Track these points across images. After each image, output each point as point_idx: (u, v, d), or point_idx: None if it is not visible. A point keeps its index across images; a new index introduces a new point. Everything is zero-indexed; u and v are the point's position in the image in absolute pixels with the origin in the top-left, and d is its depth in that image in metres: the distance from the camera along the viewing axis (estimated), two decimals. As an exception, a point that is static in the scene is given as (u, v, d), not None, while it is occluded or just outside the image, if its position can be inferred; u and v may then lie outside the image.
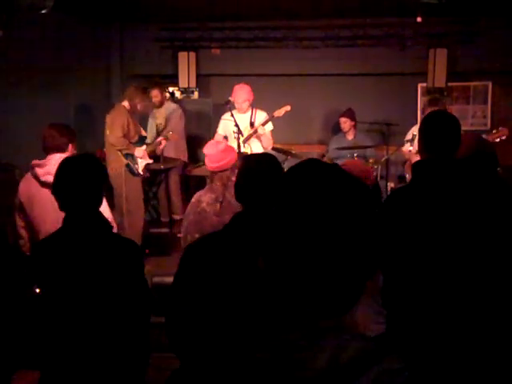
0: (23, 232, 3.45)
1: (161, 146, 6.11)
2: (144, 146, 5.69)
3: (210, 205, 3.12)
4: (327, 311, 0.93)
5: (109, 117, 5.51)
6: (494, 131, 4.87)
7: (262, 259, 0.95)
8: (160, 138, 6.12)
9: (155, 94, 6.79)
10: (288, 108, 5.57)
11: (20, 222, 3.46)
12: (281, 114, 5.56)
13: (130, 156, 5.50)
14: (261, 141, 5.50)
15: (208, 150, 3.25)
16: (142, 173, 5.62)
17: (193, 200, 3.26)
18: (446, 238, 2.16)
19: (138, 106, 5.55)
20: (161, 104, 6.88)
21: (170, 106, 6.96)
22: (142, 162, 5.62)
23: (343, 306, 0.95)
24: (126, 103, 5.53)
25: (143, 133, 5.83)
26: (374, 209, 0.95)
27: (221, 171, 3.21)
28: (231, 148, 3.37)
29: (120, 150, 5.44)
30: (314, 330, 0.91)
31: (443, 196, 2.22)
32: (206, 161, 3.28)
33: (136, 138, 5.60)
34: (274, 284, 0.94)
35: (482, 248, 2.15)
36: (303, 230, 0.89)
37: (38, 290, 2.49)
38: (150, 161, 5.77)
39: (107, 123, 5.49)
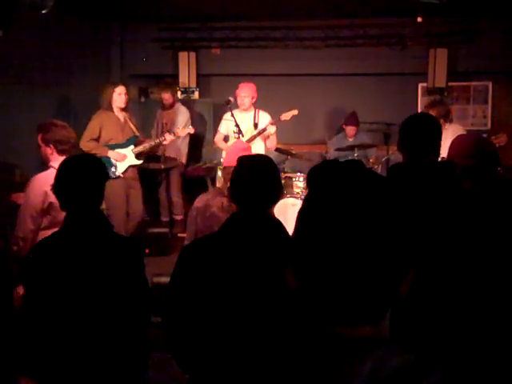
0: (30, 235, 3.10)
1: (164, 142, 5.73)
2: (131, 147, 5.43)
3: (221, 209, 2.99)
4: (363, 319, 0.88)
5: None
6: (492, 137, 4.86)
7: (291, 271, 0.91)
8: (166, 134, 5.71)
9: (167, 96, 6.75)
10: (295, 112, 5.52)
11: (31, 225, 3.10)
12: (288, 118, 5.52)
13: (105, 159, 5.16)
14: (265, 141, 5.48)
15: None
16: (121, 175, 5.37)
17: (198, 205, 3.15)
18: (433, 238, 2.15)
19: (113, 100, 5.31)
20: (171, 106, 6.86)
21: (179, 108, 6.93)
22: (121, 164, 5.37)
23: (379, 312, 0.89)
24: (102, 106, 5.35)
25: (136, 133, 5.53)
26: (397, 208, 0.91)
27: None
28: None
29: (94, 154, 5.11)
30: (351, 341, 0.87)
31: (419, 198, 2.20)
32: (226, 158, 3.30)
33: (120, 139, 5.37)
34: (306, 296, 0.89)
35: (480, 246, 2.15)
36: (335, 235, 0.86)
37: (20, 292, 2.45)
38: (138, 162, 5.48)
39: None
